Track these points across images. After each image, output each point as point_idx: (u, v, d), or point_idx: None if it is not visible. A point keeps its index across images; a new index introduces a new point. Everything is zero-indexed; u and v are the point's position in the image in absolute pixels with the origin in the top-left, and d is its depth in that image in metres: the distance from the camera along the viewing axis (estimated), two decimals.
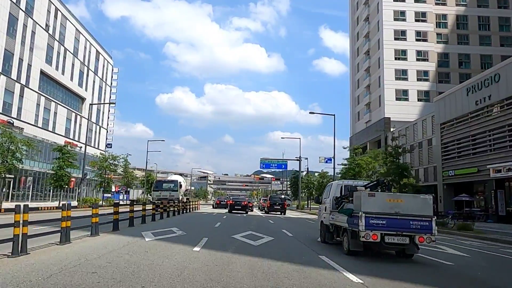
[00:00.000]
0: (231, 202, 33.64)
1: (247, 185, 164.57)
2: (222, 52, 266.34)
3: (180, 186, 37.72)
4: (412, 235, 8.50)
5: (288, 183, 67.09)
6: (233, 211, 33.30)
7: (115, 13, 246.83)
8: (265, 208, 38.59)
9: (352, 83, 70.84)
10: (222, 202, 44.81)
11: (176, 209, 26.49)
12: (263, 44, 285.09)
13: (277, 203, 36.07)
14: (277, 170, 64.06)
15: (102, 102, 67.84)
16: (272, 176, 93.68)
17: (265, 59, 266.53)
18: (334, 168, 36.53)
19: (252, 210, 40.46)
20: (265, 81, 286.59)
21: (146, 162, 58.29)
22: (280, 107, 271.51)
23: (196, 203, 37.98)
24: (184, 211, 29.99)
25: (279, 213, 36.15)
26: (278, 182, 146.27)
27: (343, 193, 11.04)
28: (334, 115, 35.70)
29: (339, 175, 40.68)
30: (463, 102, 34.01)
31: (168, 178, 43.99)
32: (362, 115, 64.95)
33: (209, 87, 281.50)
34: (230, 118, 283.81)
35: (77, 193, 52.33)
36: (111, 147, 70.80)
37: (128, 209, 15.23)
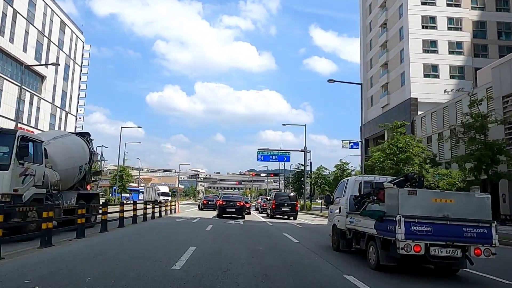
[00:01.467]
0: (221, 202, 23.66)
1: (240, 183, 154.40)
2: (213, 50, 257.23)
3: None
4: (466, 246, 6.77)
5: (291, 178, 56.87)
6: (224, 215, 23.31)
7: (104, 10, 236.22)
8: (268, 210, 28.62)
9: (363, 63, 61.05)
10: (210, 202, 34.67)
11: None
12: (253, 42, 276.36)
13: (286, 204, 26.05)
14: (278, 163, 53.98)
15: (70, 81, 57.33)
16: (269, 173, 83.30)
17: (256, 58, 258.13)
18: (362, 155, 26.69)
19: (249, 213, 30.47)
20: (256, 80, 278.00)
21: (119, 153, 47.91)
22: (272, 106, 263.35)
23: (169, 204, 27.54)
24: (152, 216, 19.82)
25: (287, 217, 26.27)
26: (273, 180, 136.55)
27: (362, 191, 9.18)
28: (361, 83, 25.75)
29: (360, 169, 31.04)
30: None
31: None
32: (376, 99, 55.23)
33: (200, 86, 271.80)
34: (221, 117, 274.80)
35: None
36: None
37: None
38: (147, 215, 18.94)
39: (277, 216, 26.29)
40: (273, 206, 25.92)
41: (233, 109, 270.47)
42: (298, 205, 27.63)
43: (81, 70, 61.16)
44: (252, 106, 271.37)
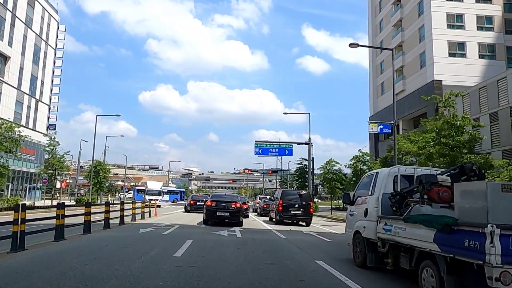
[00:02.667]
0: (210, 203, 17.16)
1: (235, 182, 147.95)
2: (205, 49, 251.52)
3: None
4: None
5: (291, 176, 50.29)
6: (215, 220, 16.81)
7: (94, 8, 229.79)
8: (271, 213, 22.14)
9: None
10: (199, 203, 28.04)
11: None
12: (246, 41, 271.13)
13: (296, 205, 19.46)
14: (275, 161, 47.63)
15: (42, 65, 50.41)
16: (266, 171, 76.58)
17: (249, 57, 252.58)
18: (394, 140, 20.30)
19: (247, 216, 23.99)
20: (249, 79, 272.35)
21: (94, 147, 41.04)
22: (265, 105, 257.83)
23: (147, 205, 20.96)
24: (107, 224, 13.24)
25: (297, 221, 19.86)
26: (268, 179, 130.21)
27: (398, 188, 7.20)
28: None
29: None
30: None
31: None
32: (388, 86, 48.90)
33: (192, 85, 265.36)
34: (214, 116, 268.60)
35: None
36: (54, 129, 53.26)
37: None
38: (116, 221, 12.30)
39: (285, 221, 19.79)
40: (280, 208, 19.38)
41: (226, 108, 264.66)
42: (313, 206, 21.05)
43: (55, 54, 54.18)
44: (245, 105, 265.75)
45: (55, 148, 32.30)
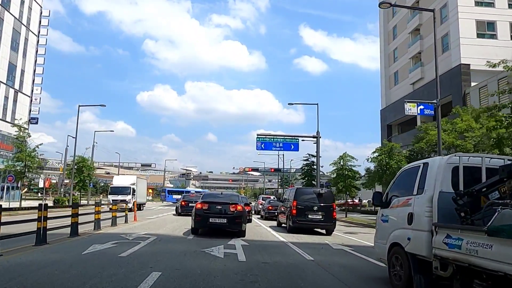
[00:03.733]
0: (201, 206, 12.30)
1: (234, 182, 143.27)
2: (203, 49, 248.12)
3: None
4: None
5: (298, 174, 45.59)
6: (206, 228, 12.31)
7: (91, 8, 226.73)
8: (280, 218, 17.53)
9: (383, 33, 50.23)
10: (192, 204, 23.27)
11: None
12: (243, 41, 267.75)
13: (315, 208, 14.81)
14: (277, 159, 43.13)
15: (22, 53, 45.85)
16: (267, 170, 71.84)
17: (246, 57, 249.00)
18: (438, 125, 15.79)
19: (251, 221, 19.40)
20: (247, 79, 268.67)
21: (76, 142, 36.31)
22: (263, 106, 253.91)
23: (98, 211, 16.26)
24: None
25: (313, 227, 15.33)
26: (267, 180, 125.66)
27: (460, 184, 5.27)
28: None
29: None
30: None
31: None
32: (403, 75, 44.48)
33: (190, 85, 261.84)
34: (212, 117, 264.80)
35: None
36: (36, 123, 48.65)
37: None
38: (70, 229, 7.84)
39: (301, 227, 15.17)
40: (294, 212, 14.80)
41: (224, 108, 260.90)
42: (336, 209, 16.23)
43: (38, 41, 49.53)
44: (243, 106, 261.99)
45: (25, 141, 27.67)
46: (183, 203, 24.85)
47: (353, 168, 28.55)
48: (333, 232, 15.45)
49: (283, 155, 69.25)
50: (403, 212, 5.93)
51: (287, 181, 79.18)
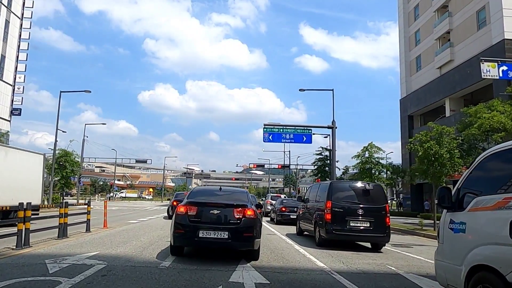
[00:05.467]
0: (185, 210, 7.30)
1: (237, 181, 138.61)
2: (203, 48, 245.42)
3: None
4: None
5: (311, 169, 40.64)
6: (196, 247, 7.62)
7: (91, 7, 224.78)
8: (306, 224, 12.57)
9: (402, 15, 45.26)
10: None
11: None
12: (244, 40, 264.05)
13: (359, 211, 10.04)
14: (295, 145, 38.07)
15: (3, 37, 41.26)
16: (271, 167, 66.86)
17: (247, 56, 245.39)
18: None
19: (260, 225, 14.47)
20: (248, 78, 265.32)
21: (56, 132, 31.60)
22: (265, 104, 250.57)
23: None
24: None
25: (353, 238, 10.57)
26: (271, 179, 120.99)
27: None
28: None
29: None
30: None
31: None
32: (427, 59, 39.56)
33: (191, 84, 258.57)
34: (214, 115, 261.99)
35: None
36: (19, 115, 44.02)
37: None
38: None
39: (339, 239, 10.37)
40: (328, 217, 10.01)
41: (226, 107, 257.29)
42: (389, 213, 11.21)
43: (21, 24, 44.91)
44: (244, 104, 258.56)
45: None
46: (174, 203, 20.10)
47: (381, 161, 23.75)
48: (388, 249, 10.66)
49: (289, 152, 64.50)
50: (497, 218, 3.85)
51: (291, 180, 74.47)
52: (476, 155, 19.17)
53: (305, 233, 13.20)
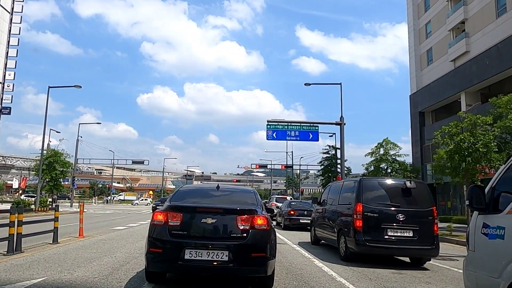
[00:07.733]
0: (164, 218, 4.93)
1: (238, 183, 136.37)
2: (201, 50, 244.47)
3: None
4: None
5: (317, 170, 38.27)
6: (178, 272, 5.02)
7: (87, 11, 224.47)
8: (327, 232, 10.13)
9: (411, 6, 42.99)
10: None
11: None
12: (241, 42, 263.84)
13: (401, 216, 7.75)
14: (300, 142, 35.60)
15: None
16: (273, 170, 64.55)
17: (245, 58, 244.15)
18: None
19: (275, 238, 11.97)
20: (246, 80, 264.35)
21: (44, 128, 29.39)
22: (264, 106, 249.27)
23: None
24: None
25: (391, 255, 8.28)
26: (273, 181, 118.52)
27: None
28: None
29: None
30: None
31: None
32: (440, 52, 37.27)
33: (189, 87, 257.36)
34: (213, 118, 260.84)
35: None
36: (9, 113, 41.83)
37: None
38: None
39: (373, 253, 8.05)
40: (359, 225, 7.68)
41: (225, 109, 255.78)
42: (437, 218, 8.88)
43: (11, 19, 42.76)
44: (244, 107, 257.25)
45: None
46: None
47: (397, 158, 21.43)
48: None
49: (292, 152, 62.27)
50: None
51: (294, 181, 72.16)
52: (510, 150, 16.87)
53: (322, 241, 10.91)
